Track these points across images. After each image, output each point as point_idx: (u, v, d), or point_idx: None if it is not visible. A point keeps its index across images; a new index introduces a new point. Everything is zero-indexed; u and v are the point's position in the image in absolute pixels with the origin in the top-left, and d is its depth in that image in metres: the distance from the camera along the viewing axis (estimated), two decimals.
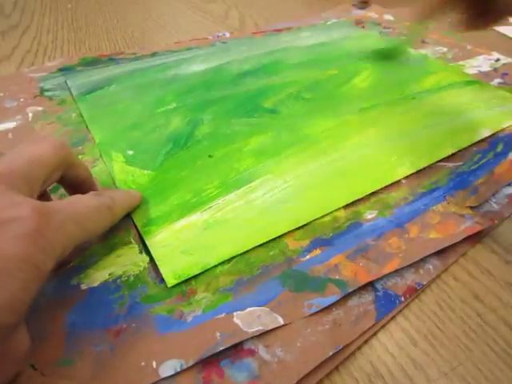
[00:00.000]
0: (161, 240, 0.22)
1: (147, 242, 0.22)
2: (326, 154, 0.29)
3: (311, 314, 0.19)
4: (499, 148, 0.31)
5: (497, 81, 0.40)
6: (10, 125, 0.31)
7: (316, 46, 0.47)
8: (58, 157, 0.18)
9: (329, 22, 0.54)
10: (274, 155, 0.29)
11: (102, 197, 0.20)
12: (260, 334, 0.18)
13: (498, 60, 0.44)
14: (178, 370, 0.16)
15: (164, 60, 0.42)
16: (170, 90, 0.37)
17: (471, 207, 0.25)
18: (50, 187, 0.22)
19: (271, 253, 0.22)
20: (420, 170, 0.28)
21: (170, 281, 0.20)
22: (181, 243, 0.22)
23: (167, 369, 0.16)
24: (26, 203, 0.15)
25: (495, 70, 0.42)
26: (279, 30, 0.51)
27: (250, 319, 0.18)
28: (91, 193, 0.20)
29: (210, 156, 0.28)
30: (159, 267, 0.20)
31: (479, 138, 0.31)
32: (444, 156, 0.29)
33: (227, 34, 0.50)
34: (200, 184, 0.26)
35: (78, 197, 0.19)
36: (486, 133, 0.32)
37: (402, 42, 0.46)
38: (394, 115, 0.34)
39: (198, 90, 0.37)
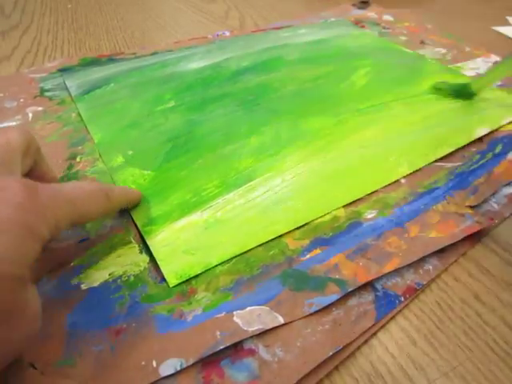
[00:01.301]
0: (162, 240, 0.22)
1: (148, 242, 0.22)
2: (326, 153, 0.29)
3: (311, 314, 0.19)
4: (498, 149, 0.31)
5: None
6: (10, 125, 0.31)
7: (314, 42, 0.47)
8: (26, 140, 0.19)
9: (328, 21, 0.54)
10: (273, 154, 0.29)
11: (99, 183, 0.20)
12: (260, 334, 0.18)
13: (496, 62, 0.44)
14: (178, 368, 0.16)
15: (162, 58, 0.42)
16: (168, 88, 0.37)
17: (471, 207, 0.25)
18: None
19: (271, 252, 0.22)
20: (419, 170, 0.28)
21: (172, 281, 0.20)
22: (182, 243, 0.22)
23: (167, 368, 0.16)
24: (13, 177, 0.16)
25: None
26: (279, 28, 0.51)
27: (250, 318, 0.18)
28: (88, 181, 0.20)
29: (209, 155, 0.28)
30: (161, 267, 0.20)
31: (477, 137, 0.31)
32: (442, 155, 0.29)
33: (227, 33, 0.50)
34: (200, 183, 0.26)
35: (71, 181, 0.19)
36: (483, 131, 0.32)
37: (481, 80, 0.35)
38: (392, 116, 0.34)
39: (197, 88, 0.37)
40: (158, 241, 0.22)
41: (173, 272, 0.20)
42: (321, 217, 0.24)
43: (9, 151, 0.18)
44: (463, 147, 0.30)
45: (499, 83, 0.39)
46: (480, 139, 0.32)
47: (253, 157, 0.28)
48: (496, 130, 0.33)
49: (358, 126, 0.32)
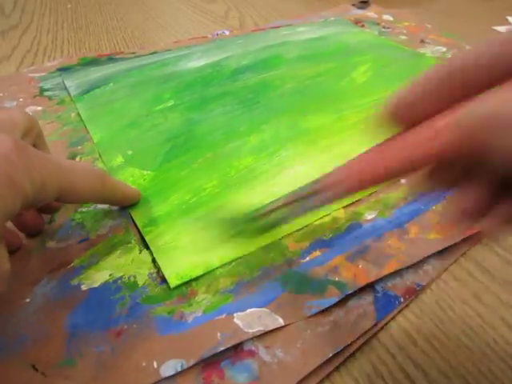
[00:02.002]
0: (162, 240, 0.22)
1: (149, 243, 0.22)
2: (326, 151, 0.29)
3: (311, 316, 0.19)
4: None
5: None
6: None
7: (314, 40, 0.47)
8: (28, 121, 0.20)
9: (328, 20, 0.54)
10: (273, 153, 0.29)
11: (96, 167, 0.20)
12: (260, 335, 0.18)
13: None
14: (179, 369, 0.16)
15: (161, 57, 0.42)
16: (167, 87, 0.37)
17: None
18: None
19: (271, 254, 0.22)
20: None
21: (173, 282, 0.20)
22: (182, 243, 0.22)
23: (168, 369, 0.16)
24: (6, 134, 0.16)
25: None
26: (278, 27, 0.51)
27: (250, 320, 0.18)
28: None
29: (209, 155, 0.28)
30: (162, 268, 0.20)
31: None
32: None
33: (227, 32, 0.50)
34: (200, 183, 0.26)
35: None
36: None
37: None
38: None
39: (196, 87, 0.37)
40: (159, 241, 0.22)
41: (174, 273, 0.20)
42: (320, 218, 0.24)
43: (11, 125, 0.18)
44: None
45: None
46: None
47: (253, 155, 0.28)
48: None
49: (359, 123, 0.32)
